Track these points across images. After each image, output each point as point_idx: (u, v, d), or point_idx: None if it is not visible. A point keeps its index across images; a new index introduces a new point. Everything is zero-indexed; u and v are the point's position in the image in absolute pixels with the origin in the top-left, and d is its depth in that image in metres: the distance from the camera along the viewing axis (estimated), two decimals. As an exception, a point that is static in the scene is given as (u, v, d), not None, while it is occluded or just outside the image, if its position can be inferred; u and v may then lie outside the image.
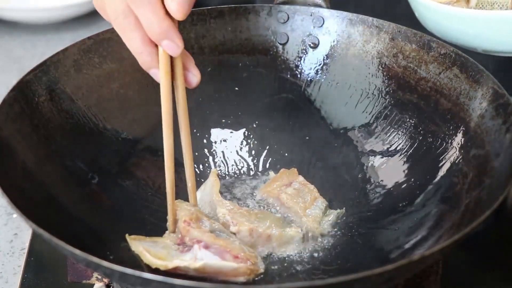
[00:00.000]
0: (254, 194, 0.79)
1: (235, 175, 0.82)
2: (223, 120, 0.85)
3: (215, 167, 0.82)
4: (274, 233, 0.71)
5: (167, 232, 0.72)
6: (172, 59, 0.64)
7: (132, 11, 0.62)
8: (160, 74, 0.64)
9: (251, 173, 0.82)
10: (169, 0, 0.61)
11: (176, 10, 0.61)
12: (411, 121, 0.79)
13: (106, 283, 0.72)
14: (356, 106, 0.83)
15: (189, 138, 0.69)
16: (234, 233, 0.70)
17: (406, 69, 0.80)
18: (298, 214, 0.74)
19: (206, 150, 0.84)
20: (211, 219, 0.71)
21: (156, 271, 0.63)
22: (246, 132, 0.85)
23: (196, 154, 0.82)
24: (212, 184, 0.76)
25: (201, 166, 0.83)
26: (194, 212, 0.71)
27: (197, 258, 0.65)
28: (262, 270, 0.67)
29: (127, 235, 0.68)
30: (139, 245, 0.66)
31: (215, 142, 0.84)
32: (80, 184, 0.73)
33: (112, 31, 0.80)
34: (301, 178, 0.78)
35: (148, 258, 0.65)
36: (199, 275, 0.65)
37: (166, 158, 0.67)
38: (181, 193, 0.78)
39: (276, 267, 0.70)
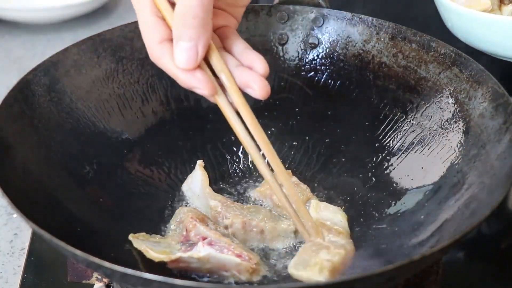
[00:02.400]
0: (249, 195, 0.79)
1: (233, 175, 0.82)
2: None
3: (215, 167, 0.82)
4: (267, 226, 0.71)
5: (170, 233, 0.72)
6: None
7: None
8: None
9: (250, 173, 0.82)
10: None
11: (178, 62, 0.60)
12: (411, 121, 0.79)
13: (106, 283, 0.72)
14: (356, 106, 0.83)
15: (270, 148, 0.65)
16: (227, 226, 0.71)
17: (406, 69, 0.80)
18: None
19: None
20: (216, 224, 0.71)
21: (157, 271, 0.63)
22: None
23: (196, 154, 0.82)
24: (200, 176, 0.76)
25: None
26: (200, 215, 0.71)
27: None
28: (262, 275, 0.67)
29: (130, 235, 0.68)
30: (142, 244, 0.67)
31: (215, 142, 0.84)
32: (80, 184, 0.73)
33: (112, 31, 0.80)
34: (294, 178, 0.78)
35: (151, 253, 0.65)
36: (201, 271, 0.66)
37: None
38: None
39: (272, 261, 0.70)
